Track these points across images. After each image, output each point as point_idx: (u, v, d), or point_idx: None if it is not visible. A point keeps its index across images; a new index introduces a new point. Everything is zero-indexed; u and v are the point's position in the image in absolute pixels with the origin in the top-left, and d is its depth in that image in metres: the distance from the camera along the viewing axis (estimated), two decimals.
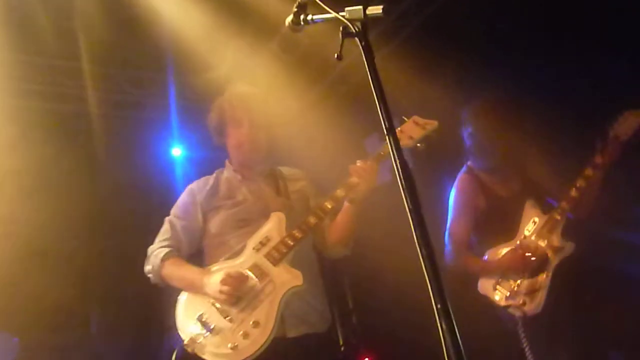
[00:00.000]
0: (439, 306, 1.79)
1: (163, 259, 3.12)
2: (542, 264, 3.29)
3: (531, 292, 3.25)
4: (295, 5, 2.33)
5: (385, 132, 1.99)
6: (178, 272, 3.11)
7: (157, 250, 3.17)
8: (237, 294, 2.88)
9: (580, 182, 3.30)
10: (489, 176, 3.58)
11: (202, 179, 3.36)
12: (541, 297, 3.23)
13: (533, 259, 3.28)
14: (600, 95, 3.80)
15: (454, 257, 3.48)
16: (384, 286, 4.99)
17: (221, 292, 2.87)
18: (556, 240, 3.31)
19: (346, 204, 3.10)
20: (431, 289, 1.81)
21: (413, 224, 1.87)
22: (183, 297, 3.05)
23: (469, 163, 3.64)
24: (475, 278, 3.43)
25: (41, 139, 5.05)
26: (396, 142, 2.00)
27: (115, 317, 5.64)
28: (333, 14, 2.22)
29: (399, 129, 3.05)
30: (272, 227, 3.05)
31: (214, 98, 3.39)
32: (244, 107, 3.22)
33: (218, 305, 2.91)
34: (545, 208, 3.43)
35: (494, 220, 3.46)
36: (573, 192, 3.31)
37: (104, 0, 4.69)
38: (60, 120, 5.44)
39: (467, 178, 3.58)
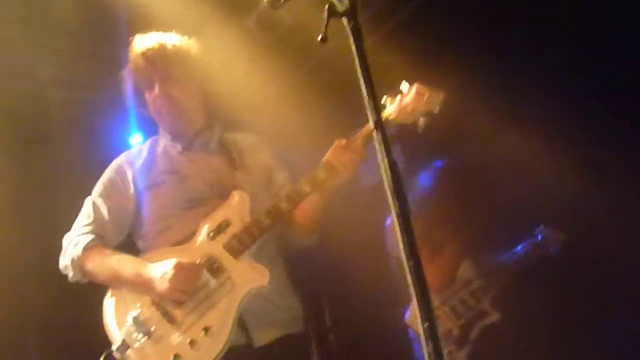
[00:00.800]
0: (426, 325, 1.81)
1: (85, 249, 2.79)
2: (474, 321, 3.89)
3: (460, 342, 3.82)
4: None
5: (373, 127, 2.00)
6: (108, 263, 2.78)
7: (76, 239, 2.84)
8: (188, 292, 2.59)
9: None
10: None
11: (134, 149, 3.07)
12: (467, 351, 3.80)
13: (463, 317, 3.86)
14: None
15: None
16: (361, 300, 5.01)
17: (170, 288, 2.57)
18: (487, 305, 3.90)
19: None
20: (418, 306, 1.82)
21: (400, 233, 1.87)
22: (111, 298, 2.76)
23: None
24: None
25: None
26: (384, 138, 2.00)
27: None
28: None
29: (398, 98, 2.83)
30: (233, 209, 2.71)
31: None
32: (151, 64, 2.89)
33: (160, 304, 2.64)
34: (480, 273, 3.95)
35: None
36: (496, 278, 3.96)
37: None
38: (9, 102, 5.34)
39: None
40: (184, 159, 2.95)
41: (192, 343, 2.56)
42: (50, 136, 5.58)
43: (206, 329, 2.55)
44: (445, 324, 3.80)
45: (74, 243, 2.84)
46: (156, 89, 2.88)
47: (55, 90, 5.69)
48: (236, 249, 2.64)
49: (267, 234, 2.73)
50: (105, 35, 5.52)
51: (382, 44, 4.56)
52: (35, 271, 4.81)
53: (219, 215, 2.72)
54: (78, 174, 5.33)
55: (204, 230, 2.71)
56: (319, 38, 2.16)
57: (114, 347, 2.63)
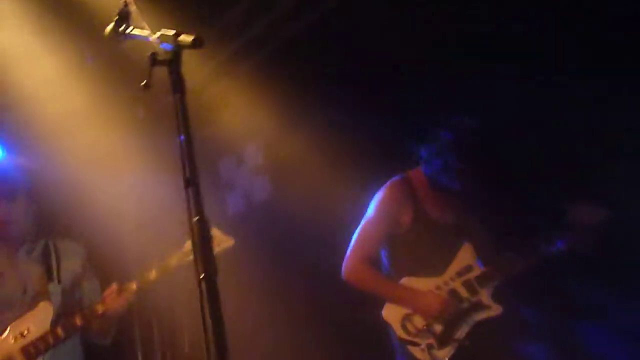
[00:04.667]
0: None
1: None
2: (462, 316, 3.41)
3: (443, 339, 3.35)
4: (117, 12, 2.34)
5: (184, 184, 2.03)
6: None
7: None
8: None
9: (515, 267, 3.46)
10: (432, 191, 3.58)
11: None
12: (450, 350, 3.34)
13: (450, 311, 3.37)
14: None
15: (349, 265, 3.50)
16: None
17: None
18: (485, 297, 3.44)
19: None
20: None
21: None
22: None
23: (410, 172, 3.64)
24: (373, 299, 3.49)
25: None
26: (197, 195, 2.04)
27: None
28: (144, 33, 2.25)
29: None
30: (36, 319, 3.24)
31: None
32: None
33: None
34: (482, 260, 3.53)
35: (421, 243, 3.50)
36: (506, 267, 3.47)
37: None
38: None
39: (398, 185, 3.59)
40: (3, 259, 3.44)
41: None
42: None
43: None
44: (435, 308, 3.37)
45: None
46: None
47: None
48: (31, 353, 3.17)
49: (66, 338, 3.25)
50: None
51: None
52: None
53: (23, 323, 3.23)
54: None
55: (11, 334, 3.22)
56: (142, 84, 2.17)
57: None
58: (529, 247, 3.46)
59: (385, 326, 3.50)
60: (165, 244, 3.44)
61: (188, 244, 3.11)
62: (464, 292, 3.43)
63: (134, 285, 3.27)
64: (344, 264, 3.53)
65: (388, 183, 3.63)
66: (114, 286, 3.29)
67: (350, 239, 3.60)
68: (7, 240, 3.45)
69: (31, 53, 4.99)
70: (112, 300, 3.24)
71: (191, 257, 2.93)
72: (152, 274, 3.26)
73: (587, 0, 3.71)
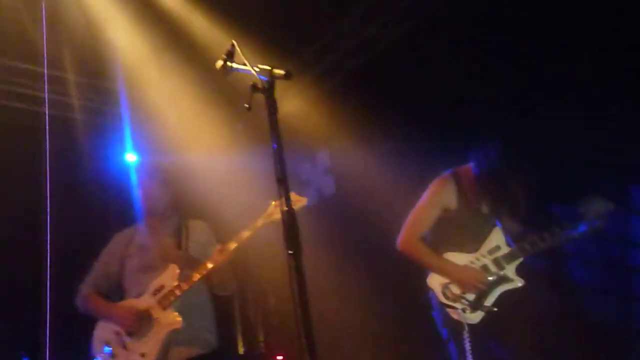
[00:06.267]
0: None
1: (87, 296, 3.51)
2: (490, 287, 3.31)
3: (475, 305, 3.26)
4: (225, 52, 2.35)
5: (276, 181, 2.03)
6: (97, 306, 3.47)
7: (84, 287, 3.54)
8: (134, 328, 3.26)
9: (536, 248, 3.32)
10: (474, 186, 3.47)
11: (127, 230, 3.66)
12: (480, 314, 3.25)
13: (482, 283, 3.28)
14: None
15: (404, 240, 3.42)
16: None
17: (123, 325, 3.29)
18: (510, 272, 3.34)
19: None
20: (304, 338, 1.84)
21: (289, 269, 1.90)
22: (99, 325, 3.42)
23: (460, 169, 3.53)
24: (422, 269, 3.40)
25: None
26: (286, 190, 2.04)
27: None
28: (247, 68, 2.24)
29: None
30: (168, 276, 3.33)
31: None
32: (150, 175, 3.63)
33: (121, 334, 3.28)
34: (509, 241, 3.41)
35: (462, 226, 3.41)
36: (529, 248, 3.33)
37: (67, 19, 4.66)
38: (17, 120, 5.25)
39: (448, 179, 3.50)
40: (149, 238, 3.53)
41: None
42: None
43: (142, 354, 3.22)
44: (469, 280, 3.26)
45: (80, 290, 3.59)
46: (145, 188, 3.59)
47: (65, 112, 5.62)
48: (164, 303, 3.28)
49: (190, 290, 3.30)
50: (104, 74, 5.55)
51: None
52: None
53: (158, 281, 3.34)
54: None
55: (150, 289, 3.35)
56: (246, 106, 2.17)
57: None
58: (549, 231, 3.31)
59: (427, 291, 3.42)
60: (253, 212, 3.38)
61: (269, 209, 3.24)
62: (493, 267, 3.32)
63: (233, 245, 3.26)
64: (399, 239, 3.45)
65: (440, 176, 3.54)
66: (218, 247, 3.30)
67: (399, 222, 3.53)
68: (152, 216, 3.53)
69: (156, 77, 5.17)
70: (217, 257, 3.26)
71: (274, 217, 3.20)
72: (245, 234, 3.25)
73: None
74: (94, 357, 3.36)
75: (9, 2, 4.54)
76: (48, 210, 4.56)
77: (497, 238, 3.39)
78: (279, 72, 2.11)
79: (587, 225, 3.27)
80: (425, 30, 4.54)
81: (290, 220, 1.99)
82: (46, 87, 5.32)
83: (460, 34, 4.23)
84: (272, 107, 2.10)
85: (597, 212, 3.24)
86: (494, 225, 3.42)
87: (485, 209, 3.47)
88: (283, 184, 2.04)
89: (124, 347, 3.26)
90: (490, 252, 3.35)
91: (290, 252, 1.94)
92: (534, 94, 3.99)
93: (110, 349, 3.29)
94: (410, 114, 4.56)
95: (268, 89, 2.12)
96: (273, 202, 3.24)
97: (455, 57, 4.17)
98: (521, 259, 3.34)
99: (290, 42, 5.05)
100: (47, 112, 5.24)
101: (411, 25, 4.70)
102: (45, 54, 4.97)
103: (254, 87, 2.13)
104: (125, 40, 4.73)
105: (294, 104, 5.33)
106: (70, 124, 5.61)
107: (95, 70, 5.44)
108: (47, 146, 4.75)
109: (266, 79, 2.12)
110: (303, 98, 5.42)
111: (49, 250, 4.41)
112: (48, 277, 4.33)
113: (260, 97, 2.15)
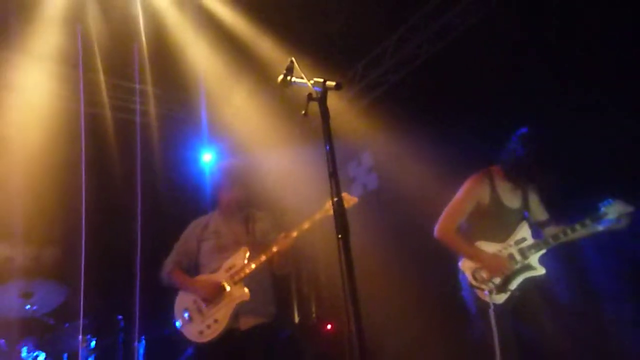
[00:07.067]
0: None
1: (171, 271, 3.61)
2: (515, 273, 3.30)
3: (500, 288, 3.26)
4: (285, 67, 2.38)
5: (329, 177, 2.09)
6: (179, 280, 3.58)
7: (167, 263, 3.65)
8: (210, 298, 3.40)
9: (561, 239, 3.28)
10: (505, 183, 3.42)
11: (202, 217, 3.76)
12: (505, 296, 3.25)
13: (508, 269, 3.26)
14: None
15: (441, 229, 3.40)
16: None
17: (201, 295, 3.42)
18: (534, 261, 3.31)
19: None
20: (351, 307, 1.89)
21: (339, 255, 1.95)
22: (179, 294, 3.55)
23: (492, 167, 3.47)
24: (455, 255, 3.41)
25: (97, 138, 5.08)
26: (337, 186, 2.09)
27: None
28: (304, 80, 2.30)
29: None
30: (239, 257, 3.46)
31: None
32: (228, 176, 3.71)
33: (198, 302, 3.42)
34: (534, 233, 3.40)
35: (493, 219, 3.38)
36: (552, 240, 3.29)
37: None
38: (114, 127, 5.47)
39: (482, 177, 3.47)
40: (223, 224, 3.65)
41: (208, 326, 3.37)
42: None
43: (215, 320, 3.37)
44: (497, 266, 3.25)
45: (165, 265, 3.67)
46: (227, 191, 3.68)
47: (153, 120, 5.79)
48: (235, 279, 3.41)
49: (256, 269, 3.42)
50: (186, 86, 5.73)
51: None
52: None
53: (231, 260, 3.47)
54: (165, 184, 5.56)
55: (224, 267, 3.48)
56: (303, 113, 2.24)
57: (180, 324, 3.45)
58: (580, 222, 3.25)
59: (459, 273, 3.41)
60: (309, 204, 3.48)
61: (327, 204, 3.28)
62: (518, 256, 3.29)
63: (294, 233, 3.35)
64: (436, 227, 3.41)
65: (475, 174, 3.50)
66: (282, 234, 3.38)
67: (435, 213, 3.53)
68: (226, 207, 3.64)
69: (229, 90, 5.32)
70: (281, 242, 3.35)
71: (330, 212, 3.13)
72: (305, 225, 3.33)
73: None
74: (175, 320, 3.48)
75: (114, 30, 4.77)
76: (139, 200, 4.82)
77: (523, 231, 3.37)
78: (330, 83, 2.17)
79: (610, 222, 3.19)
80: (460, 45, 4.59)
81: (339, 208, 2.04)
82: (137, 99, 5.65)
83: (489, 46, 4.19)
84: (324, 114, 2.16)
85: (618, 213, 3.16)
86: (521, 219, 3.39)
87: (515, 204, 3.43)
88: (334, 177, 2.10)
89: (201, 313, 3.38)
90: (517, 242, 3.33)
91: (339, 235, 2.00)
92: (570, 91, 3.84)
93: (189, 313, 3.41)
94: (444, 119, 4.56)
95: (321, 98, 2.17)
96: (330, 200, 3.28)
97: (484, 71, 4.13)
98: (544, 250, 3.30)
99: (342, 58, 5.16)
100: (138, 121, 5.56)
101: (444, 45, 4.79)
102: (136, 72, 5.26)
103: (310, 97, 2.19)
104: (203, 60, 4.90)
105: (343, 112, 5.39)
106: (155, 130, 5.77)
107: (177, 86, 5.67)
108: (139, 147, 5.00)
109: (320, 89, 2.17)
110: (352, 106, 5.50)
111: (139, 234, 4.70)
112: (138, 255, 4.63)
113: (315, 106, 2.24)
